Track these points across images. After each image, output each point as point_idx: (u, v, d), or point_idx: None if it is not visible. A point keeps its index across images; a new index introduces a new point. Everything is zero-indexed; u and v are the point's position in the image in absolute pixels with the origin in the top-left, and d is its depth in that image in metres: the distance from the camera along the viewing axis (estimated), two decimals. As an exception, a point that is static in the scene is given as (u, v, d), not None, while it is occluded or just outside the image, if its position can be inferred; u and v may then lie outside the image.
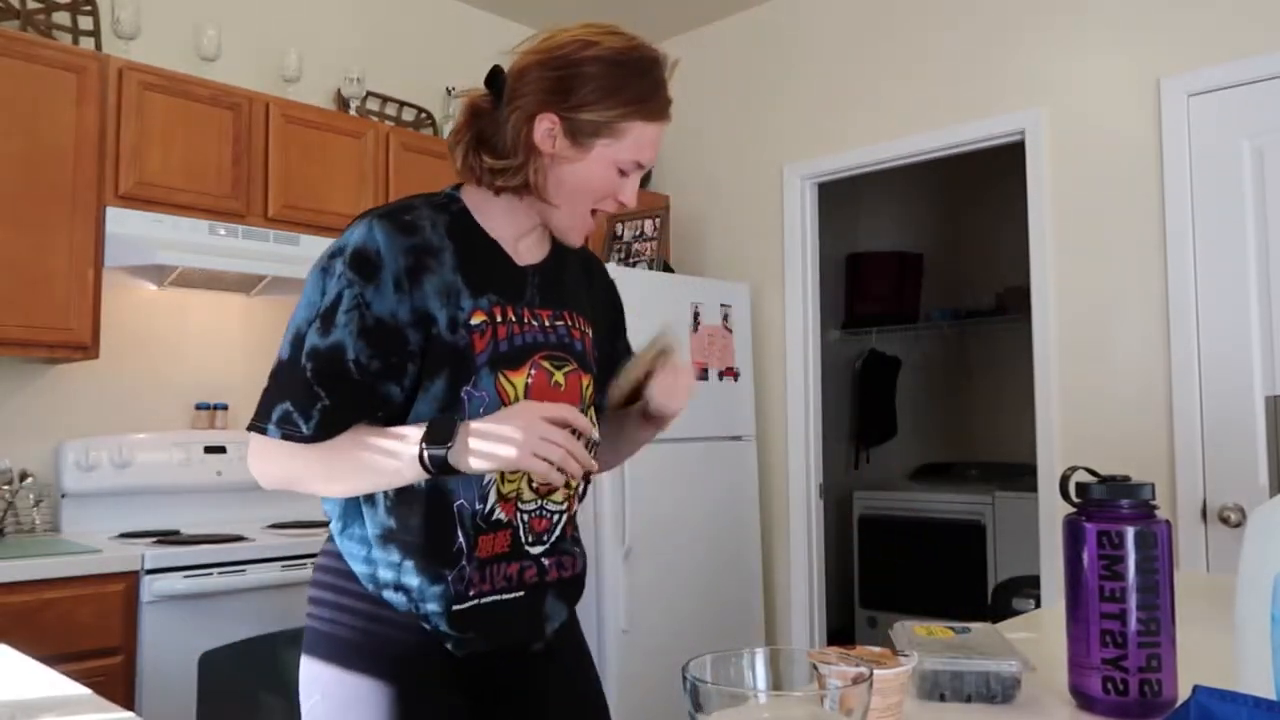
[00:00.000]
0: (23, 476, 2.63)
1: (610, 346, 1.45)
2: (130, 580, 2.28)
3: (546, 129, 1.20)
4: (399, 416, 1.19)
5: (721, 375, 3.58)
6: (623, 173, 1.24)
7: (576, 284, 1.38)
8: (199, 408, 3.04)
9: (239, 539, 2.55)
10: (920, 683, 1.08)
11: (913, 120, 3.42)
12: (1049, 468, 3.00)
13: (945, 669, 1.07)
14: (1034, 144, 3.09)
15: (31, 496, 2.64)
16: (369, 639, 1.19)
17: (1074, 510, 1.06)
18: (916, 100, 3.41)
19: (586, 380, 1.32)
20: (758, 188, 3.87)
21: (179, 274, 2.76)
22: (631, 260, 3.66)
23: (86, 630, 2.20)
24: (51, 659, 2.12)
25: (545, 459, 1.10)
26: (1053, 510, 2.99)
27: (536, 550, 1.28)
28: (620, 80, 1.20)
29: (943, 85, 3.34)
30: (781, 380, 3.74)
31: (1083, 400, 2.96)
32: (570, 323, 1.31)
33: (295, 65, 3.16)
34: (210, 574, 2.37)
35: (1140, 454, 2.83)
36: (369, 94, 3.51)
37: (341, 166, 3.09)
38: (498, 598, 1.23)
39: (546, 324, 1.27)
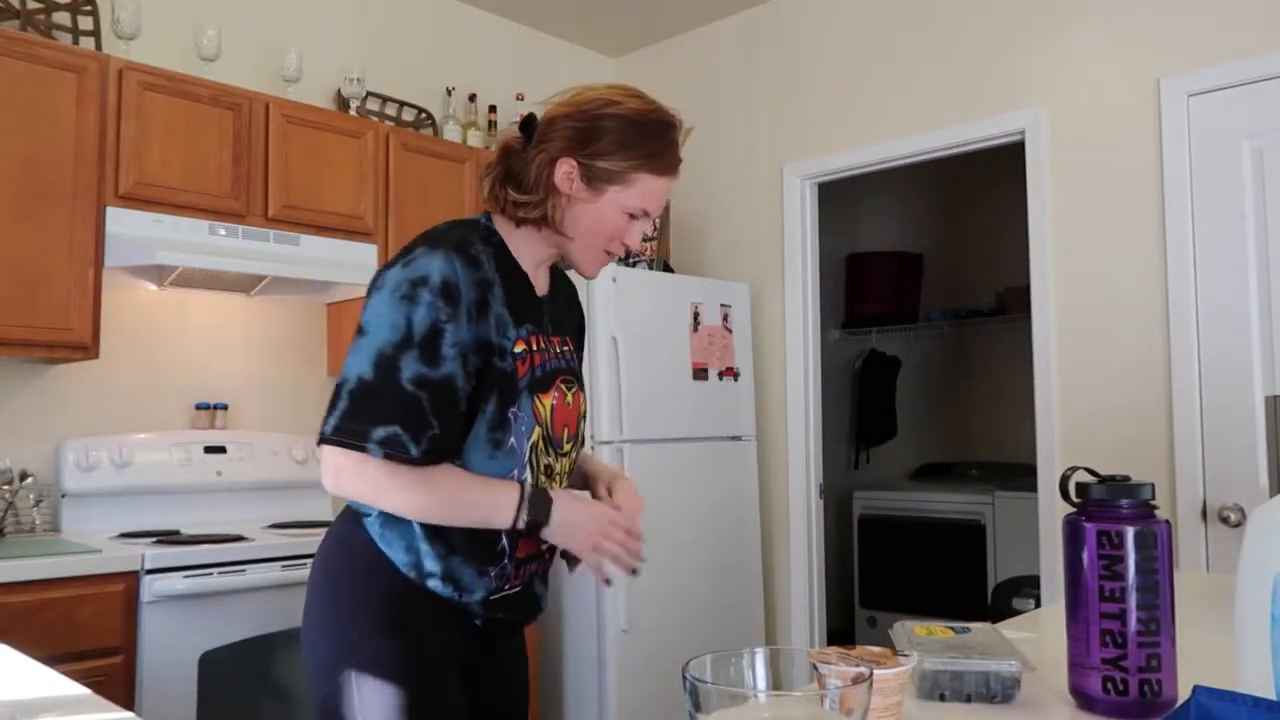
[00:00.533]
0: (23, 476, 2.63)
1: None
2: (130, 580, 2.28)
3: (566, 172, 1.36)
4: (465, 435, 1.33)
5: (721, 375, 3.58)
6: (631, 217, 1.39)
7: (567, 310, 1.55)
8: (199, 408, 3.04)
9: (239, 539, 2.55)
10: (920, 683, 1.08)
11: (913, 120, 3.42)
12: (1049, 468, 3.01)
13: (945, 669, 1.07)
14: (1034, 144, 3.09)
15: (31, 496, 2.64)
16: (409, 613, 1.32)
17: (1074, 510, 1.06)
18: (916, 100, 3.41)
19: (582, 397, 1.51)
20: (758, 188, 3.87)
21: (179, 274, 2.76)
22: (631, 260, 3.66)
23: (86, 630, 2.20)
24: (51, 659, 2.12)
25: (603, 553, 1.34)
26: (1053, 510, 2.99)
27: (545, 548, 1.46)
28: (635, 137, 1.36)
29: (943, 85, 3.34)
30: (781, 380, 3.74)
31: (1083, 400, 2.96)
32: (571, 347, 1.50)
33: (295, 65, 3.16)
34: (210, 574, 2.37)
35: (1140, 454, 2.83)
36: (369, 94, 3.51)
37: (341, 166, 3.09)
38: (521, 587, 1.42)
39: (559, 349, 1.45)
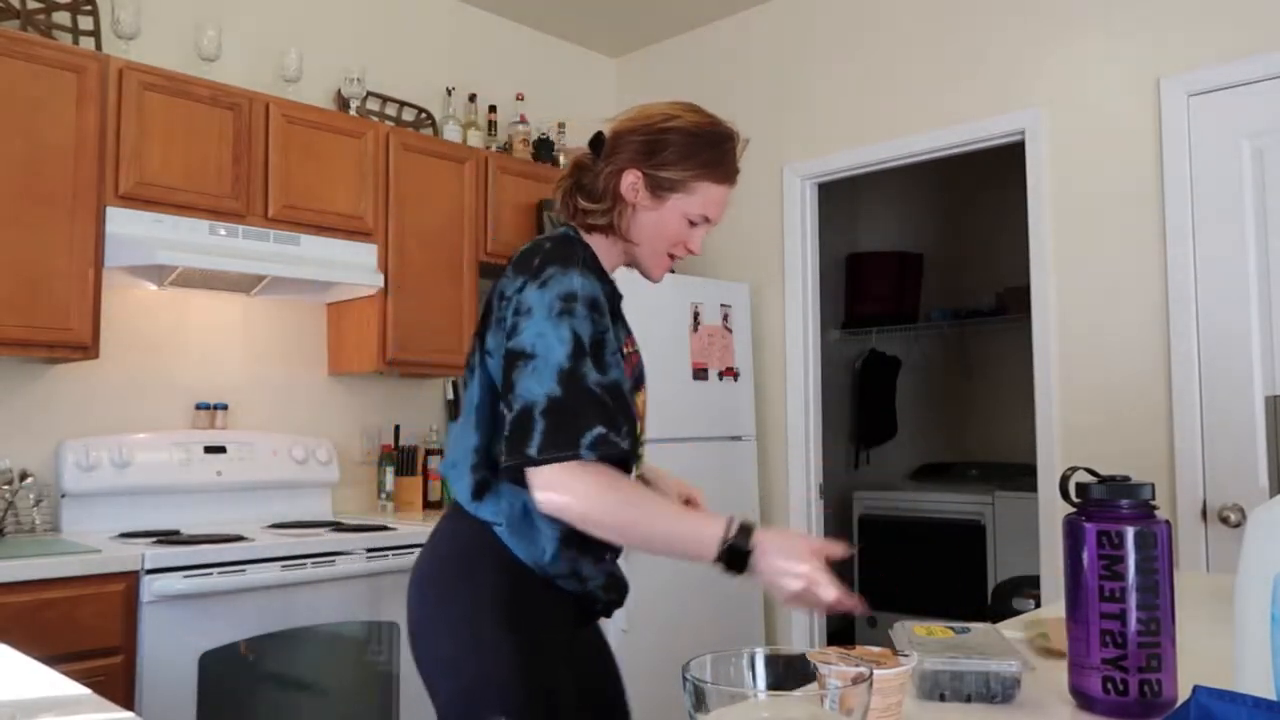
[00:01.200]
0: (23, 476, 2.63)
1: None
2: (130, 580, 2.28)
3: (631, 182, 1.46)
4: None
5: (721, 375, 3.58)
6: (691, 224, 1.49)
7: None
8: (199, 408, 3.04)
9: (239, 539, 2.55)
10: (920, 683, 1.08)
11: (913, 120, 3.42)
12: (1049, 468, 3.00)
13: (945, 669, 1.07)
14: (1034, 144, 3.09)
15: (31, 496, 2.64)
16: (529, 607, 1.40)
17: (1074, 510, 1.06)
18: (916, 100, 3.41)
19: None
20: (758, 188, 3.87)
21: (179, 274, 2.76)
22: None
23: (86, 630, 2.20)
24: (51, 659, 2.12)
25: (805, 595, 1.22)
26: (1053, 510, 2.99)
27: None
28: (695, 148, 1.45)
29: (943, 85, 3.34)
30: (781, 380, 3.74)
31: (1083, 400, 2.96)
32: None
33: (295, 65, 3.16)
34: (210, 574, 2.37)
35: (1140, 454, 2.83)
36: (369, 94, 3.51)
37: (341, 166, 3.09)
38: (616, 568, 1.54)
39: (635, 349, 1.54)
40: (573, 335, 1.31)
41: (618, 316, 1.50)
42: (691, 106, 1.50)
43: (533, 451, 1.26)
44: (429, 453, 3.52)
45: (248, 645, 2.43)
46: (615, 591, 1.53)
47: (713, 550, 1.24)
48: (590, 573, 1.45)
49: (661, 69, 4.28)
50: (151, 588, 2.29)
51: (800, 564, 1.20)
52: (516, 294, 1.36)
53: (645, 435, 1.54)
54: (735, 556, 1.24)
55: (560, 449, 1.26)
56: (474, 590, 1.38)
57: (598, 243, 1.52)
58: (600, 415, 1.28)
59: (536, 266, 1.36)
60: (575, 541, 1.40)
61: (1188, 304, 2.75)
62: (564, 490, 1.27)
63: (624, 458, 1.32)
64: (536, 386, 1.29)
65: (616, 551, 1.51)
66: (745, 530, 1.26)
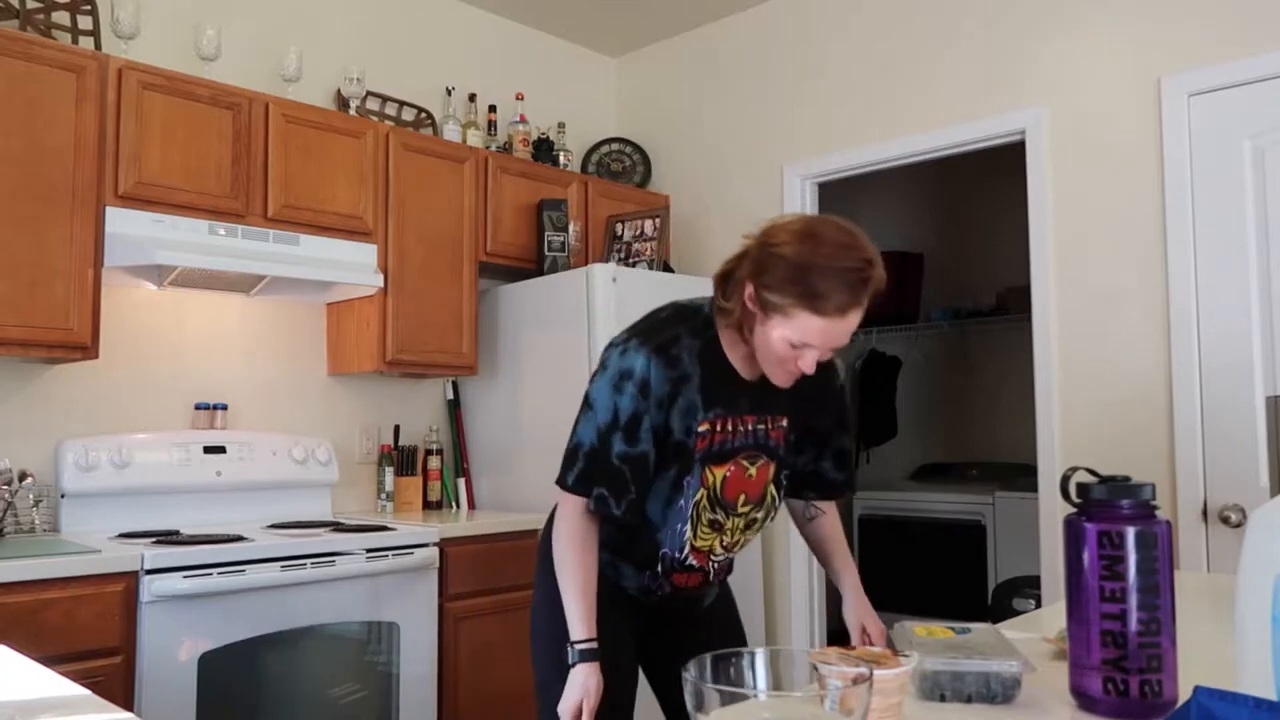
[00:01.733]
0: (22, 476, 2.63)
1: (828, 428, 1.79)
2: (130, 580, 2.28)
3: (748, 293, 1.52)
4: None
5: (721, 375, 3.58)
6: (794, 346, 1.50)
7: (791, 395, 1.68)
8: (199, 408, 3.04)
9: (239, 539, 2.55)
10: (920, 683, 1.08)
11: (913, 120, 3.42)
12: (1049, 468, 3.00)
13: (945, 669, 1.07)
14: (1034, 144, 3.09)
15: (31, 496, 2.64)
16: (600, 598, 1.67)
17: (1074, 510, 1.06)
18: (917, 100, 3.41)
19: (773, 467, 1.70)
20: (758, 188, 3.87)
21: (178, 274, 2.76)
22: (631, 260, 3.66)
23: (86, 630, 2.20)
24: (51, 659, 2.12)
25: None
26: (1053, 510, 2.99)
27: (707, 578, 1.76)
28: (797, 276, 1.45)
29: (943, 85, 3.34)
30: (781, 380, 3.73)
31: (1083, 400, 2.96)
32: (770, 425, 1.67)
33: (295, 65, 3.16)
34: (210, 574, 2.37)
35: (1140, 454, 2.83)
36: (369, 94, 3.51)
37: (341, 166, 3.09)
38: (672, 591, 1.75)
39: (750, 428, 1.64)
40: (614, 409, 1.57)
41: (718, 396, 1.61)
42: (810, 230, 1.48)
43: (571, 480, 1.61)
44: (428, 453, 3.52)
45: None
46: (646, 595, 1.76)
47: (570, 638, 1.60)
48: (628, 574, 1.73)
49: (661, 69, 4.28)
50: (151, 588, 2.29)
51: (567, 703, 1.55)
52: (611, 348, 1.61)
53: (745, 505, 1.69)
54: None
55: (579, 489, 1.60)
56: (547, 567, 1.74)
57: (729, 335, 1.62)
58: (610, 482, 1.58)
59: (627, 335, 1.61)
60: (610, 547, 1.71)
61: (1188, 304, 2.75)
62: (563, 517, 1.62)
63: (614, 518, 1.61)
64: (586, 433, 1.60)
65: (667, 570, 1.70)
66: (581, 654, 1.57)
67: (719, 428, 1.61)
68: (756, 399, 1.65)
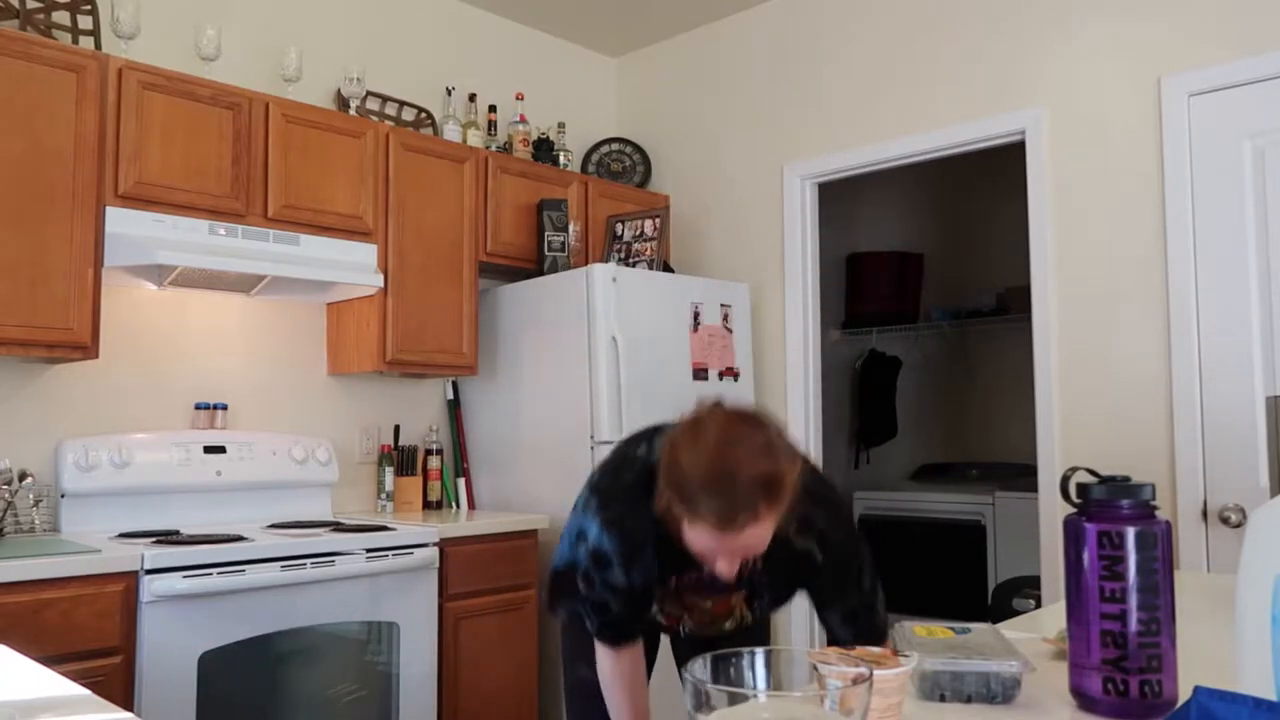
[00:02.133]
0: (22, 476, 2.63)
1: (823, 588, 1.71)
2: (130, 580, 2.28)
3: (668, 496, 1.43)
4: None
5: (721, 375, 3.58)
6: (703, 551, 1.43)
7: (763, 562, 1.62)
8: (199, 408, 3.04)
9: (239, 539, 2.55)
10: (920, 683, 1.08)
11: (913, 120, 3.42)
12: (1049, 468, 3.00)
13: (945, 669, 1.07)
14: (1034, 144, 3.09)
15: (31, 496, 2.64)
16: None
17: (1074, 511, 1.06)
18: (917, 100, 3.41)
19: (741, 596, 1.70)
20: (758, 188, 3.87)
21: (179, 274, 2.76)
22: (631, 260, 3.66)
23: (86, 630, 2.20)
24: (51, 659, 2.12)
25: None
26: (1053, 510, 2.99)
27: (685, 632, 1.79)
28: (682, 487, 1.38)
29: (943, 85, 3.34)
30: (781, 380, 3.74)
31: (1083, 400, 2.96)
32: (727, 594, 1.69)
33: (295, 65, 3.16)
34: (210, 574, 2.37)
35: (1140, 454, 2.83)
36: (369, 94, 3.51)
37: (341, 166, 3.09)
38: (679, 629, 1.80)
39: (697, 573, 1.64)
40: (578, 556, 1.66)
41: (675, 562, 1.57)
42: (705, 442, 1.36)
43: (590, 627, 1.74)
44: (428, 453, 3.52)
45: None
46: (679, 630, 1.81)
47: None
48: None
49: (661, 69, 4.28)
50: (151, 588, 2.29)
51: None
52: (588, 485, 1.70)
53: (710, 617, 1.73)
54: None
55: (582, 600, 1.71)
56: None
57: None
58: (590, 606, 1.67)
59: (591, 485, 1.68)
60: None
61: (1188, 304, 2.75)
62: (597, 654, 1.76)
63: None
64: (573, 554, 1.74)
65: (680, 633, 1.78)
66: None
67: (672, 585, 1.66)
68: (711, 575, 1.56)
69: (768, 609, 1.76)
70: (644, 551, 1.55)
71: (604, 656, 1.69)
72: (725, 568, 1.41)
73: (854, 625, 1.65)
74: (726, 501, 1.33)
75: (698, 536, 1.38)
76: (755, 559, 1.53)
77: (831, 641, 1.68)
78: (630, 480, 1.59)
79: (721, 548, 1.37)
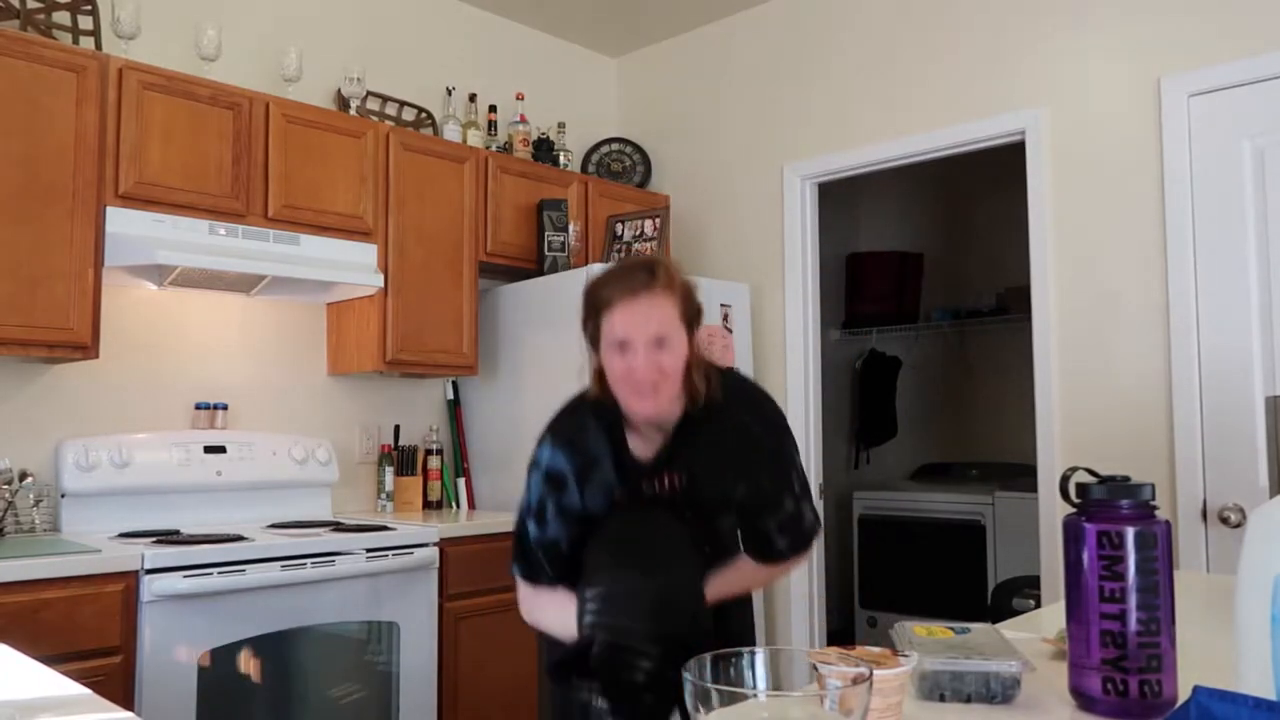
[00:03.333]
0: (22, 476, 2.63)
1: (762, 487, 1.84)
2: (130, 580, 2.28)
3: (587, 347, 1.68)
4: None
5: (721, 375, 3.58)
6: (621, 353, 1.57)
7: (712, 435, 1.71)
8: (199, 407, 3.04)
9: (239, 539, 2.55)
10: (920, 683, 1.08)
11: (913, 120, 3.42)
12: (1049, 468, 3.00)
13: (945, 669, 1.07)
14: (1034, 144, 3.09)
15: (31, 496, 2.64)
16: None
17: (1074, 510, 1.06)
18: (917, 100, 3.41)
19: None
20: (758, 188, 3.87)
21: (179, 274, 2.76)
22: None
23: (86, 630, 2.20)
24: (51, 659, 2.12)
25: None
26: (1053, 510, 2.99)
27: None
28: (595, 295, 1.61)
29: (943, 85, 3.34)
30: (781, 380, 3.74)
31: (1083, 400, 2.96)
32: (682, 480, 1.71)
33: (295, 65, 3.16)
34: (210, 574, 2.37)
35: (1140, 454, 2.83)
36: (369, 94, 3.51)
37: (341, 166, 3.09)
38: None
39: (657, 490, 1.69)
40: (528, 495, 1.69)
41: (626, 473, 1.65)
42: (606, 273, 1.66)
43: (511, 567, 1.75)
44: (428, 452, 3.52)
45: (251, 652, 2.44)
46: None
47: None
48: None
49: (661, 69, 4.28)
50: (151, 588, 2.29)
51: None
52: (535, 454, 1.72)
53: None
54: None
55: (512, 569, 1.75)
56: None
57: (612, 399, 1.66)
58: (522, 562, 1.71)
59: (549, 424, 1.71)
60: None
61: (1188, 304, 2.75)
62: (520, 596, 1.76)
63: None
64: (519, 513, 1.72)
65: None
66: None
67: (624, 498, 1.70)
68: (670, 455, 1.68)
69: (706, 518, 1.74)
70: (599, 465, 1.65)
71: (540, 593, 1.70)
72: (642, 362, 1.53)
73: (789, 535, 1.76)
74: (623, 274, 1.60)
75: (610, 329, 1.55)
76: (678, 437, 1.65)
77: (765, 555, 1.75)
78: (574, 403, 1.72)
79: (632, 331, 1.54)
